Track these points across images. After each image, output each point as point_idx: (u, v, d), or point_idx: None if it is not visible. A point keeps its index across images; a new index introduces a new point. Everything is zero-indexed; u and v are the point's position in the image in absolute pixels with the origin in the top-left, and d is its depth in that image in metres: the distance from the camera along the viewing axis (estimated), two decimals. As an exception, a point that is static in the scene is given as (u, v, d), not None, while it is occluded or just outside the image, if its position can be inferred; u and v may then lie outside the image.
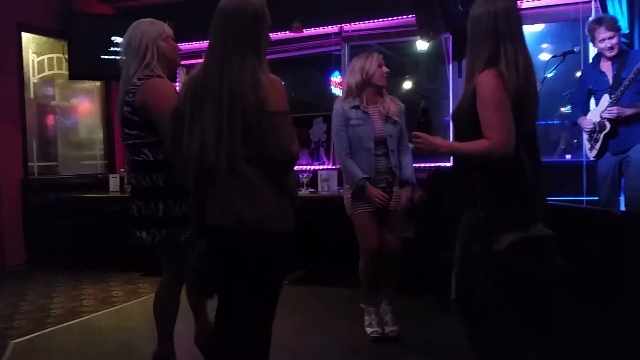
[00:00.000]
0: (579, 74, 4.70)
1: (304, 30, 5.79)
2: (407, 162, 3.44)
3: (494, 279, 2.03)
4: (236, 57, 1.88)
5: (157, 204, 2.49)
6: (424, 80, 6.84)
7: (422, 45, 5.61)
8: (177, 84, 5.80)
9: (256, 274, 1.94)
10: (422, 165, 5.29)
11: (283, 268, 2.05)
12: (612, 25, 3.87)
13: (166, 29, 2.63)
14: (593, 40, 4.00)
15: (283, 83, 2.06)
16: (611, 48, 3.88)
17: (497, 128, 1.99)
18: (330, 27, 5.84)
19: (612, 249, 2.41)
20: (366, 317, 3.47)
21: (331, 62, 5.95)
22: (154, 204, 2.49)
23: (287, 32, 5.77)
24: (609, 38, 3.86)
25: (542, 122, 6.03)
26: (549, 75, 4.07)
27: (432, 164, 5.17)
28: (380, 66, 3.37)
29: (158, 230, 2.49)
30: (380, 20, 5.60)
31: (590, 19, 4.27)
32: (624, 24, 4.54)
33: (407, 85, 7.12)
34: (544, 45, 6.11)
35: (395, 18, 5.52)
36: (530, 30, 5.82)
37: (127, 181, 2.63)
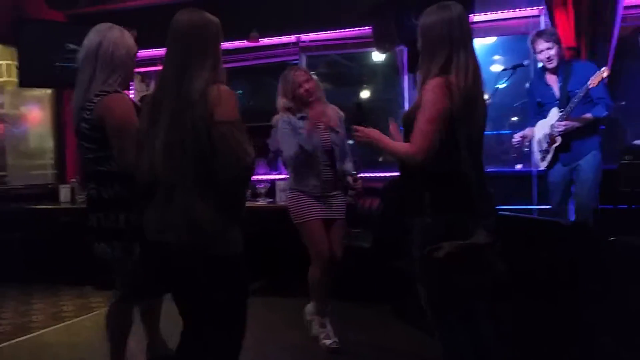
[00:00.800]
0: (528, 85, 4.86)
1: (260, 39, 5.78)
2: (347, 163, 3.54)
3: (432, 285, 2.06)
4: (191, 69, 1.87)
5: (118, 216, 2.44)
6: (380, 91, 6.94)
7: (378, 56, 5.69)
8: (132, 91, 5.69)
9: (199, 297, 1.91)
10: (378, 174, 5.36)
11: (229, 292, 1.95)
12: (550, 36, 4.00)
13: (133, 43, 2.58)
14: (535, 52, 4.13)
15: (239, 92, 2.06)
16: (549, 59, 3.99)
17: (422, 137, 2.04)
18: (287, 37, 5.85)
19: (560, 258, 2.48)
20: (320, 329, 3.46)
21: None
22: (114, 215, 2.44)
23: (245, 41, 5.75)
24: (547, 49, 3.97)
25: (495, 132, 6.22)
26: (502, 86, 4.19)
27: (387, 173, 5.23)
28: (302, 83, 3.39)
29: (119, 242, 2.44)
30: (338, 31, 5.64)
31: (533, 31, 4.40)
32: (571, 37, 4.72)
33: (365, 94, 7.21)
34: (496, 57, 6.31)
35: (352, 29, 5.57)
36: (482, 42, 6.01)
37: (87, 192, 2.56)
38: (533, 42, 4.09)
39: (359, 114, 2.36)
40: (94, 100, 2.40)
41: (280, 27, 5.75)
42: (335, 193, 3.44)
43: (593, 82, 3.72)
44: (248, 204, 2.22)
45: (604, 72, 3.71)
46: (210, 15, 1.97)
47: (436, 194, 2.09)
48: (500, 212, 2.66)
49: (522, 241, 2.58)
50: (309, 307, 3.56)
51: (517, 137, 4.22)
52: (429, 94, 2.06)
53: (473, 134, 2.13)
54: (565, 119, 3.90)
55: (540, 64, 4.22)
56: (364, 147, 2.30)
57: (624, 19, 4.68)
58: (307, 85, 3.39)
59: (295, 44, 5.87)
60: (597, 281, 2.32)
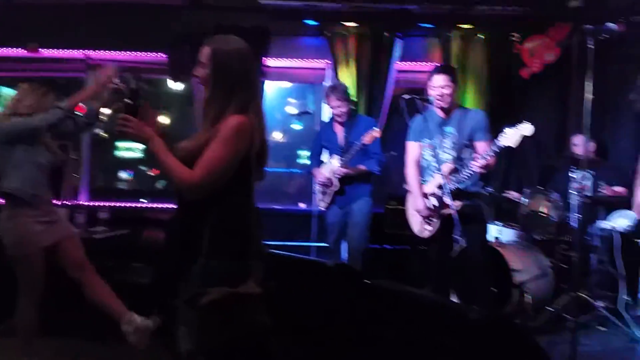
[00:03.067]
0: (318, 128, 5.17)
1: (43, 51, 5.30)
2: None
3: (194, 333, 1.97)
4: None
5: None
6: (176, 120, 6.79)
7: (175, 84, 5.60)
8: None
9: None
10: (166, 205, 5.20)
11: None
12: (342, 95, 4.35)
13: None
14: (328, 103, 4.47)
15: None
16: (340, 115, 4.36)
17: (209, 170, 1.89)
18: (76, 51, 5.46)
19: (324, 298, 2.63)
20: None
21: (77, 88, 5.54)
22: None
23: (23, 49, 5.22)
24: (338, 106, 4.33)
25: (286, 170, 6.52)
26: (298, 128, 4.42)
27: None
28: None
29: None
30: (130, 53, 5.42)
31: (326, 84, 4.74)
32: (352, 92, 5.19)
33: (161, 120, 7.00)
34: (291, 100, 6.66)
35: (146, 53, 5.40)
36: (279, 85, 6.31)
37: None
38: (327, 96, 4.42)
39: (132, 103, 1.99)
40: None
41: (68, 40, 5.33)
42: None
43: (367, 139, 4.14)
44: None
45: (375, 132, 4.16)
46: None
47: (217, 234, 1.95)
48: (271, 251, 2.71)
49: (291, 280, 2.66)
50: None
51: (321, 176, 4.42)
52: (231, 131, 1.92)
53: (259, 175, 2.07)
54: (344, 167, 4.25)
55: (330, 110, 4.55)
56: (130, 139, 1.97)
57: (396, 81, 5.31)
58: None
59: (83, 60, 5.50)
60: (354, 322, 2.49)
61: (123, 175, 6.73)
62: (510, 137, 3.27)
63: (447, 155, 3.59)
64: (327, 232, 4.53)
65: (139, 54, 5.43)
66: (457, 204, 3.45)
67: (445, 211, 3.49)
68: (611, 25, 2.71)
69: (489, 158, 3.34)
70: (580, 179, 3.97)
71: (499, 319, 1.93)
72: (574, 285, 3.94)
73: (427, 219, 3.65)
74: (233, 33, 2.12)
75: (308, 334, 2.60)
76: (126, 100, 1.99)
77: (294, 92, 6.62)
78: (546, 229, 4.37)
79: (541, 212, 4.24)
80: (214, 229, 1.94)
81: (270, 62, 5.39)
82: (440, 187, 3.49)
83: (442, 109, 3.60)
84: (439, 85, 3.54)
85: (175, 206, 2.06)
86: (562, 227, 4.25)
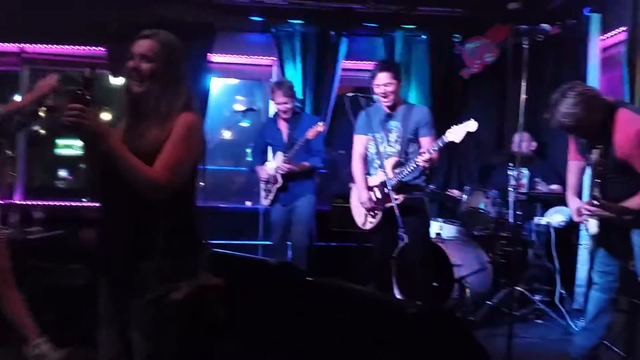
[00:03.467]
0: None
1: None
2: None
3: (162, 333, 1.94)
4: None
5: None
6: (118, 116, 6.61)
7: (114, 79, 5.43)
8: None
9: None
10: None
11: None
12: (288, 92, 4.34)
13: None
14: (273, 100, 4.44)
15: None
16: (285, 111, 4.35)
17: (173, 169, 1.86)
18: (10, 45, 5.23)
19: (267, 297, 2.61)
20: None
21: (12, 82, 5.33)
22: None
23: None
24: (284, 103, 4.32)
25: (233, 168, 6.44)
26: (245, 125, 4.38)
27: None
28: None
29: None
30: (68, 46, 5.23)
31: (273, 80, 4.71)
32: (298, 89, 5.19)
33: (103, 117, 6.79)
34: (239, 97, 6.58)
35: (85, 47, 5.23)
36: (226, 82, 6.23)
37: None
38: (272, 92, 4.38)
39: (84, 92, 1.78)
40: None
41: (0, 33, 5.09)
42: None
43: (311, 134, 4.12)
44: None
45: (320, 126, 4.15)
46: None
47: (174, 231, 1.93)
48: (214, 250, 2.68)
49: (232, 279, 2.63)
50: None
51: (264, 173, 4.40)
52: (189, 130, 1.91)
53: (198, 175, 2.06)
54: (287, 163, 4.23)
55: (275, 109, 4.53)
56: (84, 135, 1.79)
57: (342, 79, 5.34)
58: None
59: (17, 54, 5.27)
60: (294, 320, 2.48)
61: (62, 173, 6.49)
62: (456, 133, 3.36)
63: (392, 149, 3.65)
64: (271, 230, 4.51)
65: (77, 47, 5.25)
66: (400, 197, 3.52)
67: (388, 204, 3.54)
68: (545, 26, 2.80)
69: (433, 153, 3.40)
70: (517, 177, 4.10)
71: (436, 313, 1.96)
72: (512, 280, 4.09)
73: (370, 211, 3.70)
74: (176, 28, 2.08)
75: (247, 332, 2.58)
76: (78, 90, 1.78)
77: (241, 89, 6.56)
78: (485, 224, 4.49)
79: (480, 209, 4.35)
80: (169, 226, 1.92)
81: (216, 58, 5.32)
82: (384, 180, 3.53)
83: (387, 105, 3.65)
84: (382, 83, 3.57)
85: (107, 206, 1.98)
86: (500, 223, 4.38)
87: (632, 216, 2.76)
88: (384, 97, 3.60)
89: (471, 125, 3.35)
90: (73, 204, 5.40)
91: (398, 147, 3.64)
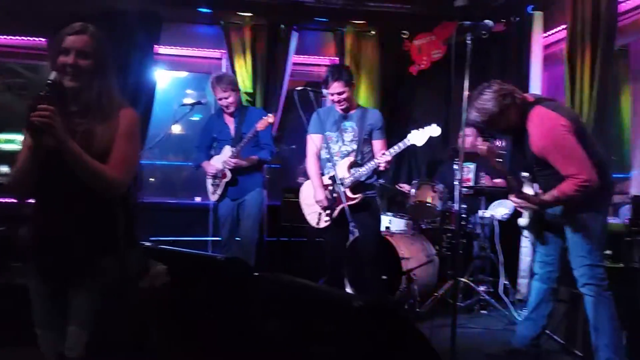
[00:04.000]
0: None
1: None
2: None
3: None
4: None
5: None
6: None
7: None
8: None
9: None
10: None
11: None
12: (228, 84, 4.25)
13: None
14: (214, 94, 4.35)
15: None
16: (227, 106, 4.28)
17: (128, 167, 1.95)
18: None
19: (215, 292, 2.58)
20: None
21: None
22: None
23: None
24: (225, 98, 4.24)
25: (183, 163, 6.34)
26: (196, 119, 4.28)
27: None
28: None
29: None
30: (7, 37, 5.02)
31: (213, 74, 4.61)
32: (248, 84, 5.14)
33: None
34: (189, 91, 6.47)
35: (25, 37, 5.02)
36: (175, 75, 6.11)
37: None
38: (212, 87, 4.30)
39: (49, 94, 1.77)
40: None
41: None
42: None
43: (260, 125, 4.08)
44: None
45: (269, 118, 4.10)
46: None
47: (128, 225, 2.01)
48: (160, 247, 2.66)
49: (177, 276, 2.60)
50: None
51: (211, 168, 4.31)
52: (134, 126, 1.98)
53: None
54: (236, 157, 4.19)
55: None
56: (43, 134, 1.74)
57: (292, 74, 5.32)
58: None
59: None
60: (239, 315, 2.46)
61: (2, 169, 6.24)
62: (418, 136, 3.53)
63: (348, 149, 3.70)
64: (220, 225, 4.44)
65: (17, 38, 5.04)
66: (358, 196, 3.60)
67: (343, 203, 3.56)
68: (488, 22, 2.84)
69: (393, 154, 3.53)
70: (462, 171, 4.19)
71: (380, 306, 1.98)
72: (458, 272, 4.18)
73: (325, 209, 3.71)
74: (122, 18, 2.08)
75: (193, 329, 2.55)
76: (42, 92, 1.77)
77: (192, 82, 6.44)
78: (432, 218, 4.57)
79: (427, 202, 4.43)
80: (125, 221, 1.98)
81: (164, 50, 5.21)
82: (339, 179, 3.54)
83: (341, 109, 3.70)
84: (336, 92, 3.61)
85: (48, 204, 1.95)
86: (447, 216, 4.47)
87: (554, 207, 2.91)
88: (339, 103, 3.66)
89: (434, 130, 3.52)
90: (14, 200, 5.19)
91: (354, 146, 3.68)
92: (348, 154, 3.68)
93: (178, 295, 2.63)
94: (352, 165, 3.65)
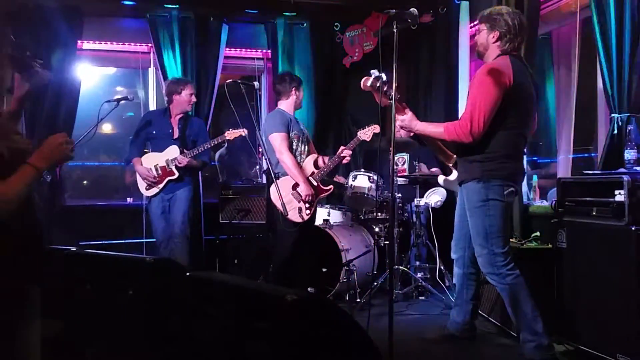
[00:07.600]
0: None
1: None
2: None
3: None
4: None
5: None
6: None
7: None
8: None
9: None
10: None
11: None
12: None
13: None
14: (182, 94, 4.31)
15: None
16: (190, 107, 4.45)
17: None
18: None
19: (142, 296, 2.48)
20: None
21: None
22: None
23: None
24: (195, 99, 4.42)
25: (115, 164, 6.10)
26: (127, 117, 4.14)
27: None
28: None
29: None
30: None
31: (152, 69, 4.49)
32: (178, 74, 4.99)
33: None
34: (119, 88, 6.22)
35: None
36: (104, 72, 5.85)
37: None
38: (182, 88, 4.31)
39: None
40: None
41: None
42: None
43: (230, 135, 4.19)
44: None
45: (242, 131, 4.18)
46: None
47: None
48: (85, 251, 2.54)
49: (110, 280, 2.49)
50: None
51: (143, 169, 4.24)
52: None
53: None
54: (186, 157, 4.16)
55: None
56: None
57: (224, 67, 5.21)
58: None
59: None
60: (168, 316, 2.38)
61: None
62: (366, 133, 3.95)
63: (308, 147, 3.97)
64: (152, 223, 4.34)
65: None
66: (329, 187, 3.97)
67: (321, 195, 3.94)
68: (413, 10, 2.84)
69: (350, 150, 3.95)
70: (398, 161, 4.25)
71: (314, 299, 1.96)
72: (395, 260, 4.23)
73: (307, 203, 3.79)
74: (40, 13, 1.95)
75: (120, 332, 2.45)
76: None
77: (121, 78, 6.20)
78: (369, 208, 4.60)
79: (364, 193, 4.45)
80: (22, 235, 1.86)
81: (88, 45, 5.00)
82: (312, 172, 3.90)
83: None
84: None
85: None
86: (383, 206, 4.50)
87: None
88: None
89: (377, 128, 3.91)
90: None
91: (311, 145, 4.08)
92: (312, 151, 4.02)
93: (101, 303, 2.53)
94: (317, 161, 3.97)
